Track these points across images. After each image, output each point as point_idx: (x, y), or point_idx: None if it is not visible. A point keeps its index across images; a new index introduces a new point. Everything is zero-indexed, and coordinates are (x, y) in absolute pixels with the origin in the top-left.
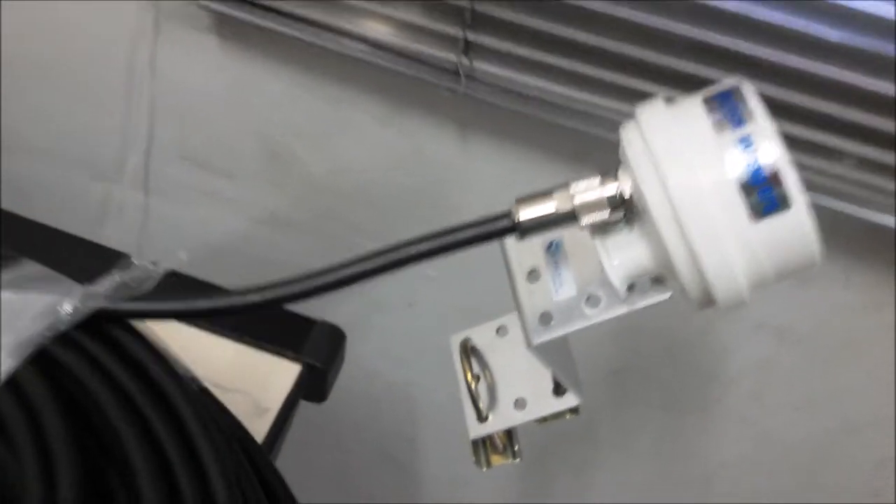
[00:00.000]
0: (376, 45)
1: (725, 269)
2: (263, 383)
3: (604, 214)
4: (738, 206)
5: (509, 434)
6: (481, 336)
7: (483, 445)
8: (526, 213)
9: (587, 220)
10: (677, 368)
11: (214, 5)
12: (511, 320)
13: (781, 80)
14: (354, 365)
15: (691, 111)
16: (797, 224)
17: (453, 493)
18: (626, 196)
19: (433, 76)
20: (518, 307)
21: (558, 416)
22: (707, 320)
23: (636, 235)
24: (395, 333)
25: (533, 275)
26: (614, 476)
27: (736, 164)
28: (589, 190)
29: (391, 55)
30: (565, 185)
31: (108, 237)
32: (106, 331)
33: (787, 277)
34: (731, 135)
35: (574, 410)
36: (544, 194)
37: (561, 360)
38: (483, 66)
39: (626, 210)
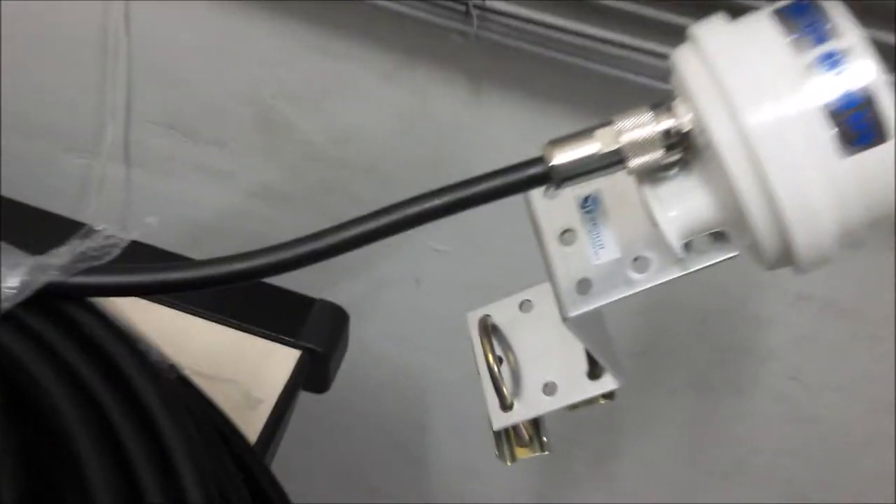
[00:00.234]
0: None
1: (810, 214)
2: (257, 372)
3: (657, 155)
4: (824, 138)
5: (536, 423)
6: (502, 312)
7: (507, 437)
8: (562, 157)
9: (636, 162)
10: (708, 347)
11: None
12: (536, 294)
13: None
14: (358, 348)
15: (761, 28)
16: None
17: (467, 483)
18: (684, 131)
19: (441, 17)
20: (550, 274)
21: (591, 401)
22: (742, 293)
23: (695, 181)
24: (401, 313)
25: (567, 236)
26: (639, 464)
27: (821, 88)
28: (639, 126)
29: None
30: (608, 122)
31: (88, 215)
32: (59, 308)
33: (877, 227)
34: (813, 53)
35: (609, 395)
36: (584, 134)
37: (598, 336)
38: (497, 2)
39: (684, 150)
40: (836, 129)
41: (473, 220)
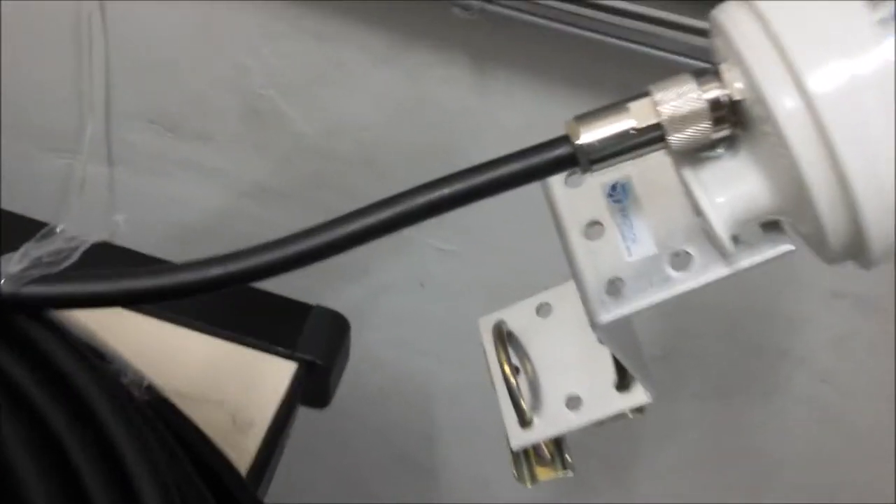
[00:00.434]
0: None
1: (886, 194)
2: (249, 388)
3: (704, 130)
4: None
5: (558, 441)
6: (518, 317)
7: (526, 456)
8: (591, 134)
9: (679, 139)
10: (734, 350)
11: None
12: (554, 296)
13: None
14: (360, 355)
15: None
16: None
17: (476, 494)
18: (735, 100)
19: None
20: (575, 274)
21: (620, 416)
22: (771, 291)
23: (744, 161)
24: (405, 317)
25: (593, 229)
26: (658, 474)
27: None
28: (681, 96)
29: None
30: (644, 94)
31: (70, 218)
32: (8, 323)
33: None
34: (888, 6)
35: (639, 409)
36: (615, 107)
37: (628, 342)
38: None
39: (733, 124)
40: None
41: (481, 214)
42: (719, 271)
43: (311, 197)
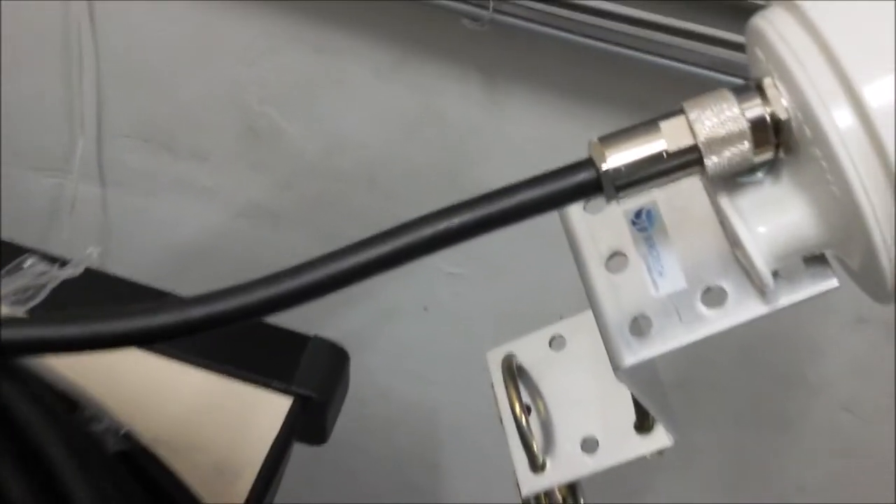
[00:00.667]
0: None
1: None
2: (241, 425)
3: (744, 153)
4: None
5: (572, 485)
6: (529, 351)
7: (537, 503)
8: (617, 158)
9: (718, 163)
10: (753, 376)
11: None
12: (568, 328)
13: None
14: (364, 383)
15: None
16: None
17: None
18: (782, 119)
19: None
20: (595, 310)
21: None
22: (793, 316)
23: (787, 188)
24: (409, 344)
25: (616, 261)
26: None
27: None
28: (720, 114)
29: None
30: (677, 112)
31: (61, 241)
32: None
33: None
34: None
35: (659, 451)
36: (645, 128)
37: (652, 385)
38: None
39: (777, 146)
40: None
41: (490, 235)
42: (756, 309)
43: (311, 218)
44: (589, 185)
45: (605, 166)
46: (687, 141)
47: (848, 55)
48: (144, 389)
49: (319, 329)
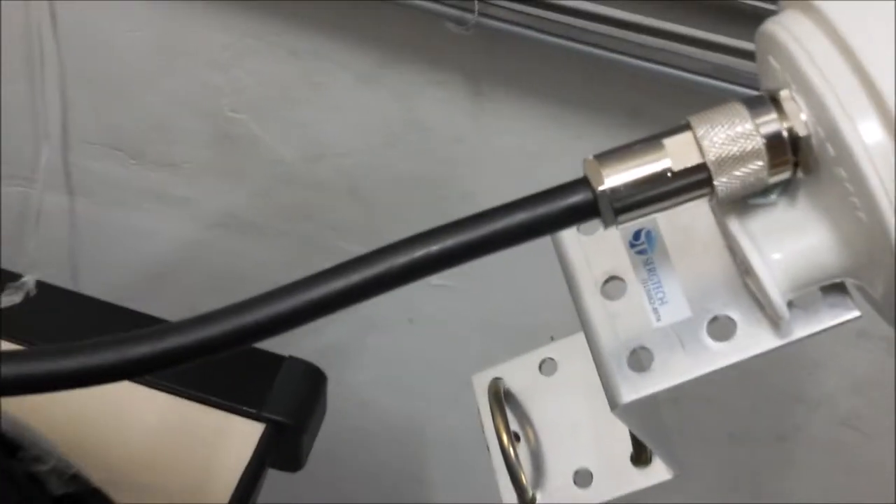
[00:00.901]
0: None
1: None
2: (209, 453)
3: (757, 172)
4: None
5: None
6: (518, 375)
7: None
8: (617, 178)
9: (727, 183)
10: (751, 392)
11: None
12: (559, 351)
13: None
14: (347, 397)
15: None
16: None
17: None
18: (801, 135)
19: (433, 0)
20: (590, 339)
21: None
22: None
23: (805, 210)
24: (393, 357)
25: (612, 286)
26: None
27: None
28: (731, 130)
29: None
30: (683, 127)
31: (29, 255)
32: None
33: None
34: None
35: None
36: (647, 144)
37: (650, 419)
38: None
39: (795, 165)
40: None
41: None
42: (768, 342)
43: (290, 229)
44: (584, 207)
45: (602, 187)
46: (694, 159)
47: (875, 61)
48: (104, 415)
49: (300, 341)
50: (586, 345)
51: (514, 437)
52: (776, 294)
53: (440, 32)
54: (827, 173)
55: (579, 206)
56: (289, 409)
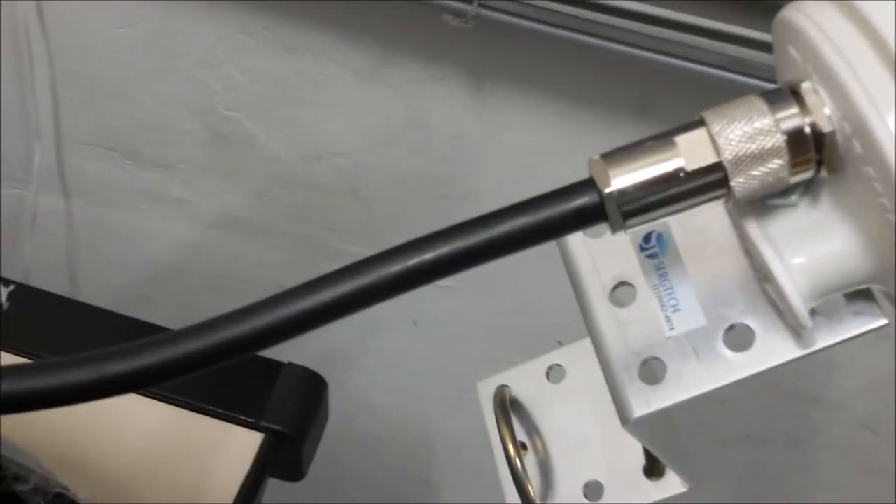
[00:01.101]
0: None
1: None
2: (207, 465)
3: (778, 171)
4: None
5: None
6: (524, 382)
7: None
8: (625, 178)
9: (745, 183)
10: (765, 394)
11: None
12: (567, 357)
13: None
14: (352, 399)
15: None
16: None
17: None
18: (825, 131)
19: None
20: (598, 349)
21: None
22: None
23: (829, 212)
24: (397, 360)
25: (622, 291)
26: None
27: None
28: (749, 126)
29: None
30: (697, 123)
31: (25, 257)
32: None
33: None
34: None
35: None
36: (657, 142)
37: (663, 432)
38: None
39: (818, 163)
40: None
41: None
42: (789, 352)
43: (288, 230)
44: (590, 211)
45: (609, 189)
46: (709, 158)
47: None
48: (98, 426)
49: (303, 343)
50: (594, 350)
51: (522, 447)
52: (798, 301)
53: (439, 26)
54: (853, 172)
55: (584, 209)
56: (288, 417)
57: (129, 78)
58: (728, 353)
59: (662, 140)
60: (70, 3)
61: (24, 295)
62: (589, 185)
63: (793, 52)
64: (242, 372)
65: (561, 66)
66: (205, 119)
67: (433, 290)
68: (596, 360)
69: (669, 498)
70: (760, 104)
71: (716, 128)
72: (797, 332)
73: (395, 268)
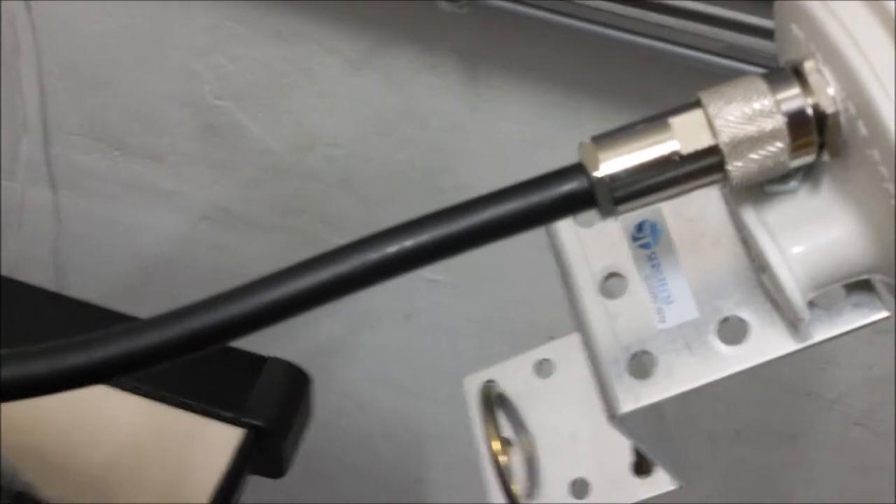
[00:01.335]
0: None
1: None
2: (186, 461)
3: (777, 155)
4: None
5: None
6: (512, 377)
7: None
8: (616, 162)
9: (742, 167)
10: (760, 389)
11: None
12: (556, 351)
13: None
14: (342, 395)
15: None
16: None
17: None
18: (828, 112)
19: None
20: (587, 342)
21: None
22: None
23: (829, 198)
24: (389, 353)
25: (612, 283)
26: None
27: None
28: (747, 107)
29: None
30: (693, 104)
31: (13, 250)
32: None
33: None
34: None
35: None
36: (650, 124)
37: (652, 428)
38: None
39: (820, 147)
40: None
41: None
42: (785, 346)
43: (280, 222)
44: (579, 196)
45: (598, 173)
46: (705, 141)
47: None
48: (76, 420)
49: (293, 337)
50: (583, 345)
51: (507, 444)
52: (795, 293)
53: (432, 12)
54: (857, 156)
55: (573, 194)
56: (270, 413)
57: (117, 67)
58: (721, 346)
59: (656, 122)
60: None
61: (11, 289)
62: (578, 169)
63: (796, 30)
64: (224, 366)
65: (558, 54)
66: (194, 109)
67: (426, 285)
68: (585, 354)
69: (658, 496)
70: (760, 84)
71: (713, 109)
72: (794, 324)
73: (374, 255)
